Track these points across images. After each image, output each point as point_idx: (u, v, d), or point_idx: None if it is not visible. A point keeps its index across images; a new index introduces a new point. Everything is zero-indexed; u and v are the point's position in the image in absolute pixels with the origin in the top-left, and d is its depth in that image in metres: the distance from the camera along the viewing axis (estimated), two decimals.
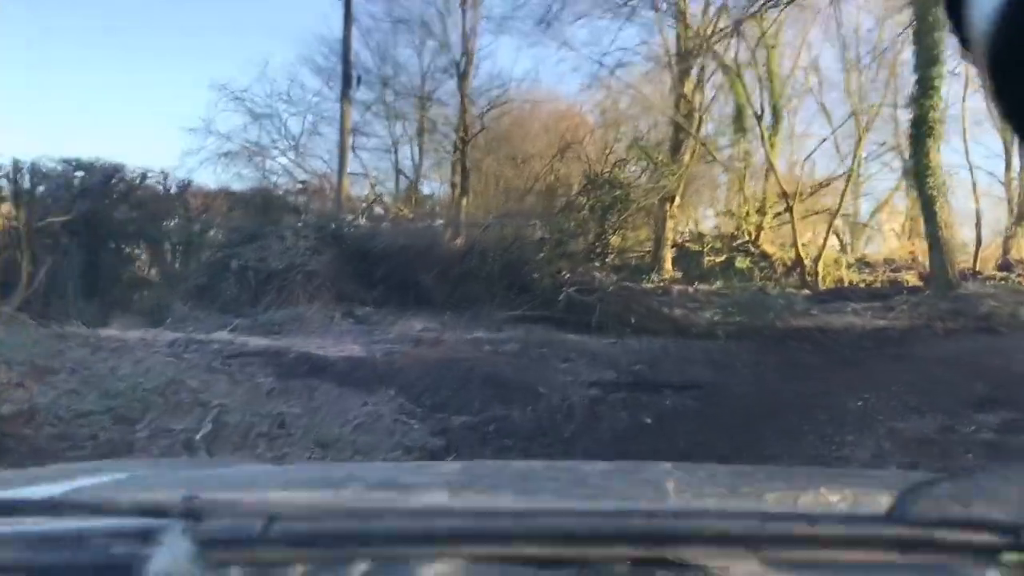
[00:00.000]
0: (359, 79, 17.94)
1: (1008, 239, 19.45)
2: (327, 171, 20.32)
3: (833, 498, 1.46)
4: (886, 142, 22.86)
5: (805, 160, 20.97)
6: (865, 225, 29.61)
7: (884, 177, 30.79)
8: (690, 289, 19.04)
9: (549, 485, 1.57)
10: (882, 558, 0.85)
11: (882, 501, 0.93)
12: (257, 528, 0.87)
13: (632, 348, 11.54)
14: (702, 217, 24.46)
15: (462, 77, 19.98)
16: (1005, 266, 18.47)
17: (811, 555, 0.87)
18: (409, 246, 13.53)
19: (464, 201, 19.72)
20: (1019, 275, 17.68)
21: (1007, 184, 21.95)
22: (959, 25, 0.60)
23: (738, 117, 20.54)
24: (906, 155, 29.77)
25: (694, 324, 13.49)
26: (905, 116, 17.16)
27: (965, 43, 0.60)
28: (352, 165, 19.41)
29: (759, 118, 18.15)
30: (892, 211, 30.94)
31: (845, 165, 19.76)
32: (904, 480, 1.34)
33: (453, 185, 20.49)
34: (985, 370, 9.78)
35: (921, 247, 18.19)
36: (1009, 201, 21.40)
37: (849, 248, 24.56)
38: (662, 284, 20.47)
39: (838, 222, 25.64)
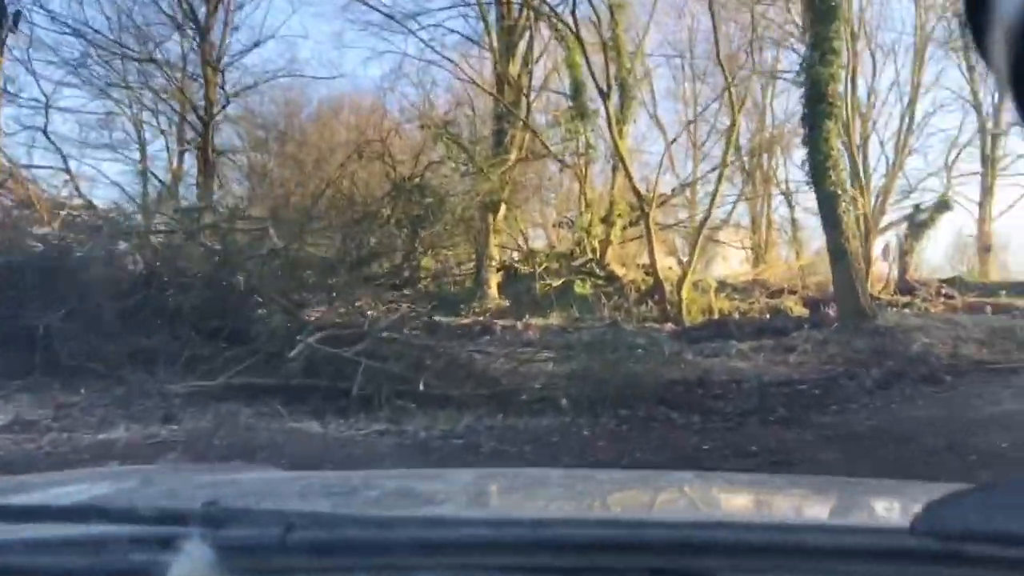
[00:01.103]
0: (16, 16, 11.94)
1: (905, 255, 16.20)
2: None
3: (855, 509, 1.44)
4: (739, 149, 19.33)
5: (662, 161, 16.78)
6: (716, 241, 26.42)
7: (729, 191, 28.05)
8: (519, 325, 14.44)
9: (565, 494, 1.56)
10: (906, 571, 0.86)
11: (905, 513, 0.90)
12: (276, 536, 0.87)
13: (408, 445, 6.55)
14: (536, 231, 20.03)
15: (203, 33, 14.39)
16: (906, 288, 15.05)
17: (833, 567, 0.87)
18: (39, 268, 7.88)
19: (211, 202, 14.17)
20: (925, 299, 14.20)
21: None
22: (979, 37, 0.61)
23: (576, 97, 16.18)
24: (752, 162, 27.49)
25: (522, 386, 8.64)
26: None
27: (985, 54, 0.62)
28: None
29: (605, 95, 13.72)
30: (737, 227, 28.20)
31: (712, 163, 15.73)
32: (927, 492, 1.10)
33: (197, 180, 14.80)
34: (979, 460, 6.27)
35: (812, 267, 14.34)
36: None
37: (691, 270, 20.95)
38: (483, 319, 15.83)
39: (677, 240, 22.11)
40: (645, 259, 16.38)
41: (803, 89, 12.40)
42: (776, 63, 15.52)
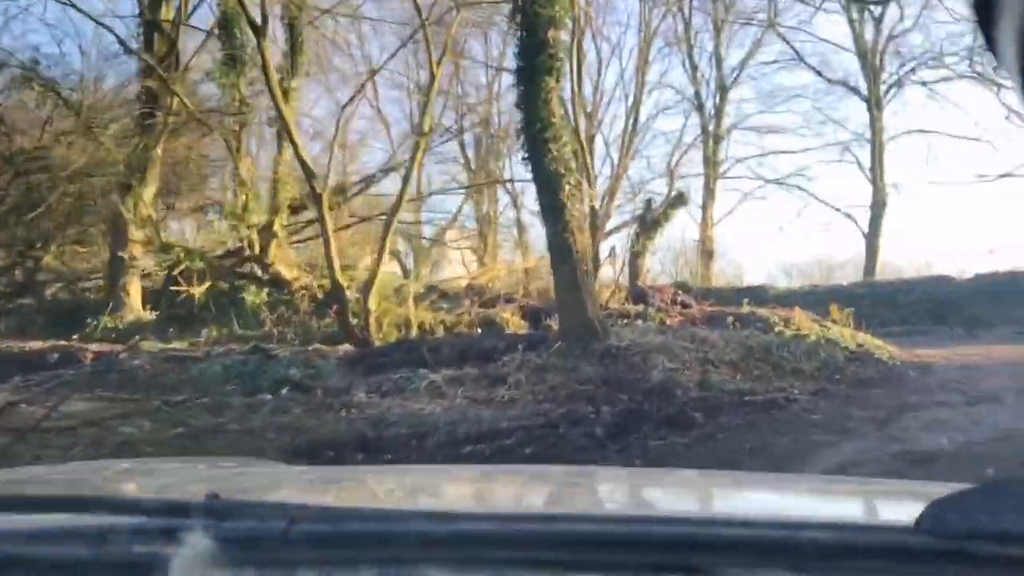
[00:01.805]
0: None
1: (637, 256, 14.04)
2: None
3: (859, 507, 1.45)
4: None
5: (337, 131, 13.30)
6: (436, 243, 23.52)
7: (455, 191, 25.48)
8: (159, 347, 10.31)
9: (568, 490, 1.58)
10: (911, 569, 0.85)
11: (909, 511, 0.88)
12: (278, 529, 0.87)
13: None
14: (195, 221, 15.72)
15: None
16: (639, 296, 12.79)
17: (838, 565, 0.86)
18: None
19: None
20: (660, 308, 11.96)
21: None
22: (990, 37, 0.61)
23: (226, 35, 12.16)
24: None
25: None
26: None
27: (996, 54, 0.62)
28: None
29: (259, 30, 9.85)
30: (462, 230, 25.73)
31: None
32: (931, 490, 1.15)
33: None
34: None
35: (538, 272, 11.60)
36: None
37: (413, 276, 17.84)
38: (118, 336, 11.64)
39: (401, 243, 18.98)
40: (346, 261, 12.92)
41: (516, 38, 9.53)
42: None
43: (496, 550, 0.88)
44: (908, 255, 37.90)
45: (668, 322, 11.37)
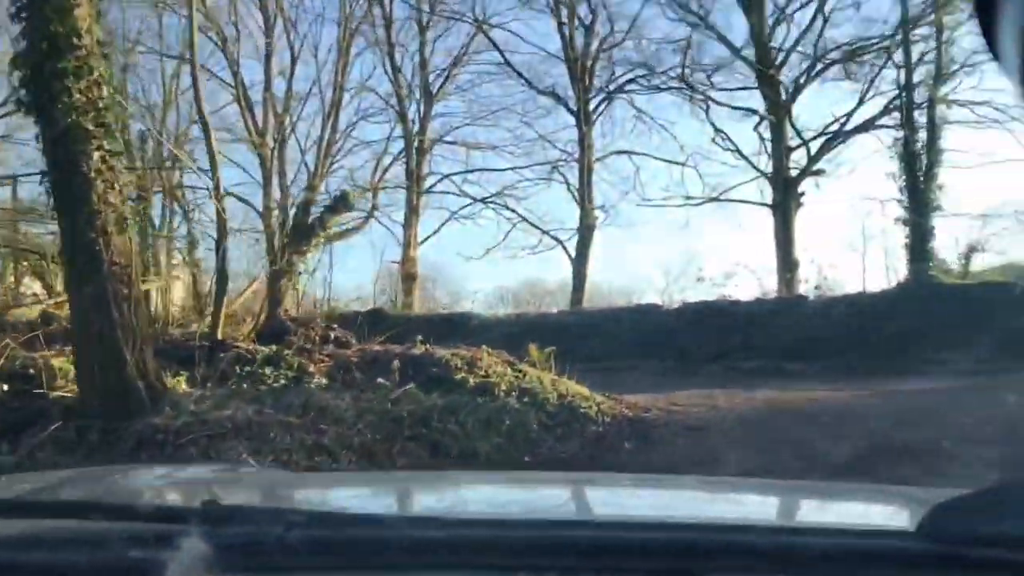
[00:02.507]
0: None
1: (280, 276, 10.50)
2: None
3: (861, 513, 1.46)
4: None
5: None
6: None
7: None
8: None
9: (565, 496, 1.60)
10: (913, 574, 0.85)
11: (911, 516, 0.92)
12: (274, 535, 0.88)
13: None
14: None
15: None
16: (277, 330, 9.26)
17: (840, 570, 0.86)
18: None
19: None
20: (304, 349, 8.56)
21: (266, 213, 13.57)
22: (992, 42, 0.63)
23: None
24: None
25: None
26: None
27: (996, 56, 0.64)
28: None
29: None
30: None
31: None
32: (930, 496, 1.17)
33: None
34: None
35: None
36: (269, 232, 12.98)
37: None
38: None
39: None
40: None
41: None
42: None
43: (492, 556, 0.89)
44: (620, 281, 37.57)
45: (312, 368, 8.03)
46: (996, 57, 0.63)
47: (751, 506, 1.54)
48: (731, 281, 17.37)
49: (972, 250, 16.22)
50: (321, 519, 0.97)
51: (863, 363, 13.82)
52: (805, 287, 17.15)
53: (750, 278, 17.12)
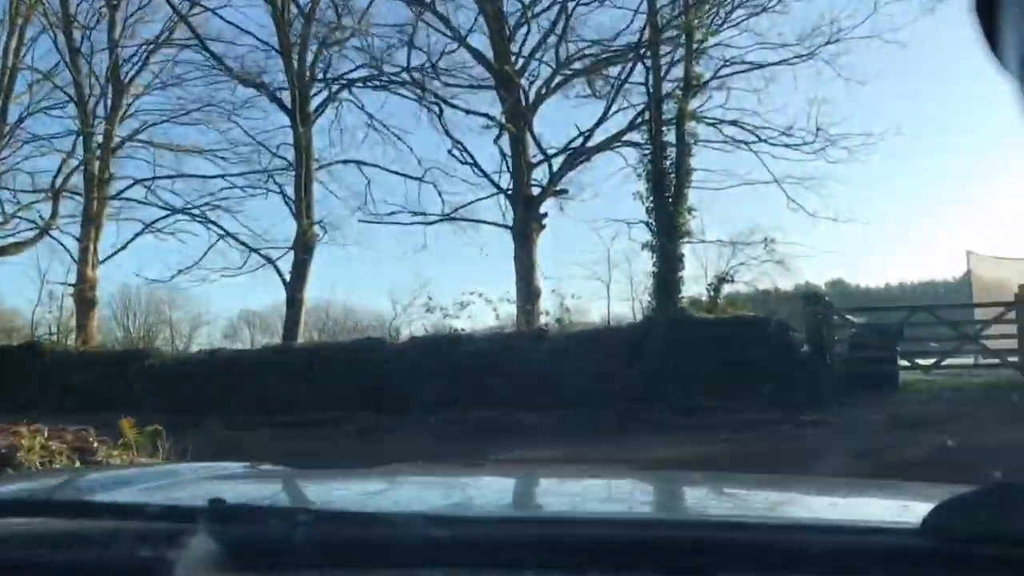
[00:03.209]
0: None
1: None
2: None
3: (865, 509, 1.44)
4: None
5: None
6: None
7: None
8: None
9: (575, 493, 1.60)
10: (916, 573, 0.85)
11: (915, 513, 0.88)
12: (282, 533, 0.87)
13: None
14: None
15: None
16: None
17: (842, 568, 0.85)
18: None
19: None
20: None
21: None
22: (993, 44, 0.62)
23: None
24: None
25: None
26: None
27: (999, 59, 0.63)
28: None
29: None
30: None
31: None
32: (937, 492, 1.14)
33: None
34: None
35: None
36: None
37: None
38: None
39: None
40: None
41: None
42: None
43: (501, 553, 0.89)
44: (353, 309, 34.02)
45: None
46: (998, 61, 0.62)
47: (755, 502, 1.52)
48: (465, 312, 14.83)
49: (722, 280, 14.88)
50: (329, 517, 0.97)
51: (608, 413, 11.79)
52: (546, 320, 14.98)
53: (486, 308, 14.58)
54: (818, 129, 16.20)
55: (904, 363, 13.12)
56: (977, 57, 0.67)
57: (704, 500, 1.56)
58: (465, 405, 12.90)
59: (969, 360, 13.71)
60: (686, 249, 14.39)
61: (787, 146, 16.16)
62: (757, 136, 16.21)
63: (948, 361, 13.48)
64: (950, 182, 50.08)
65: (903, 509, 1.33)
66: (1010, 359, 12.79)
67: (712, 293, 14.51)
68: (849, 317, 13.87)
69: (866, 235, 52.76)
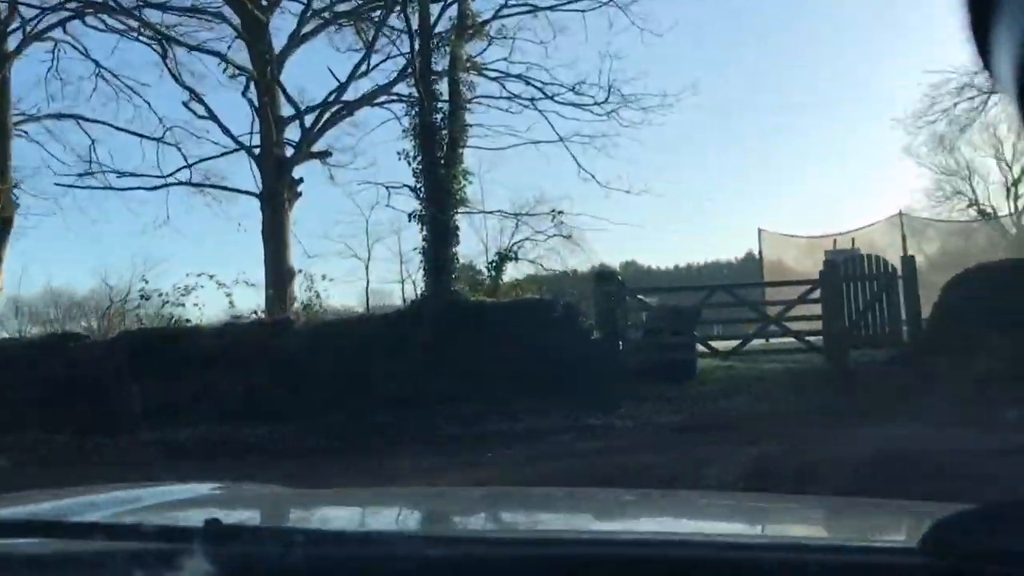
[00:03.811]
0: None
1: None
2: None
3: (862, 528, 1.42)
4: None
5: None
6: None
7: None
8: None
9: (568, 513, 1.60)
10: None
11: (913, 532, 0.91)
12: (277, 554, 0.88)
13: None
14: None
15: None
16: None
17: None
18: None
19: None
20: None
21: None
22: (985, 55, 0.62)
23: None
24: None
25: None
26: None
27: (991, 73, 0.63)
28: None
29: None
30: None
31: None
32: (935, 511, 1.12)
33: None
34: None
35: None
36: None
37: None
38: None
39: None
40: None
41: None
42: None
43: (493, 573, 0.88)
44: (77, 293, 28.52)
45: None
46: (990, 72, 0.63)
47: (751, 522, 1.51)
48: (191, 298, 11.88)
49: (504, 258, 12.82)
50: (324, 537, 0.96)
51: (359, 424, 9.40)
52: (298, 306, 12.33)
53: (219, 294, 11.66)
54: (610, 87, 14.53)
55: (702, 348, 11.68)
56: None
57: (697, 521, 1.54)
58: (183, 416, 10.09)
59: (774, 343, 12.45)
60: (462, 221, 12.17)
61: (577, 105, 14.41)
62: (544, 93, 14.34)
63: (751, 345, 12.19)
64: (742, 159, 51.83)
65: (901, 528, 1.33)
66: (808, 339, 11.65)
67: (493, 272, 12.42)
68: (643, 299, 12.24)
69: (656, 213, 53.77)
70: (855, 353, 11.32)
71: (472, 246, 15.44)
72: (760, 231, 21.00)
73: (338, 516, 1.50)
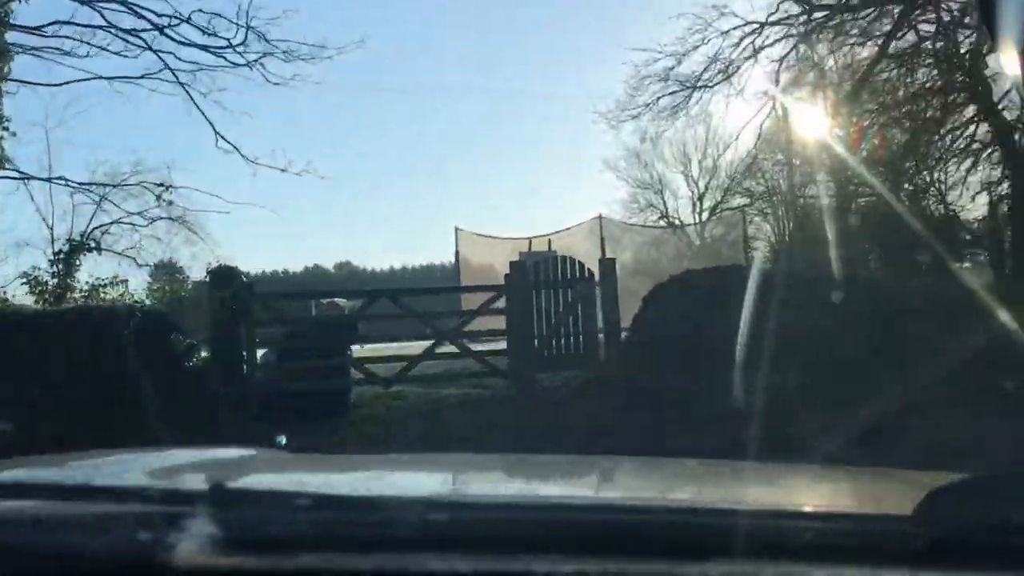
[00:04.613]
0: None
1: None
2: None
3: (857, 497, 1.47)
4: None
5: None
6: None
7: None
8: None
9: (573, 479, 1.63)
10: (908, 560, 0.84)
11: (907, 501, 0.90)
12: (281, 517, 0.89)
13: None
14: None
15: None
16: None
17: (834, 555, 0.85)
18: None
19: None
20: None
21: None
22: (992, 29, 0.65)
23: None
24: None
25: None
26: None
27: (996, 45, 0.65)
28: None
29: None
30: None
31: None
32: (929, 480, 1.15)
33: None
34: None
35: None
36: None
37: None
38: None
39: None
40: None
41: None
42: None
43: (500, 538, 0.89)
44: None
45: None
46: (993, 38, 0.63)
47: (746, 489, 1.52)
48: None
49: (78, 248, 9.03)
50: (329, 501, 0.98)
51: None
52: None
53: None
54: (249, 26, 11.25)
55: (358, 374, 8.88)
56: None
57: (695, 488, 1.53)
58: None
59: (458, 364, 9.89)
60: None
61: (203, 47, 10.95)
62: (153, 24, 10.72)
63: (426, 367, 9.58)
64: (456, 151, 50.32)
65: (895, 497, 1.32)
66: (488, 358, 9.31)
67: (60, 269, 8.63)
68: (275, 307, 9.10)
69: (361, 212, 50.90)
70: (545, 376, 9.14)
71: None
72: (457, 230, 18.97)
73: (342, 480, 1.50)
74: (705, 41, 15.58)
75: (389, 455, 3.27)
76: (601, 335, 9.50)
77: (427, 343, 9.17)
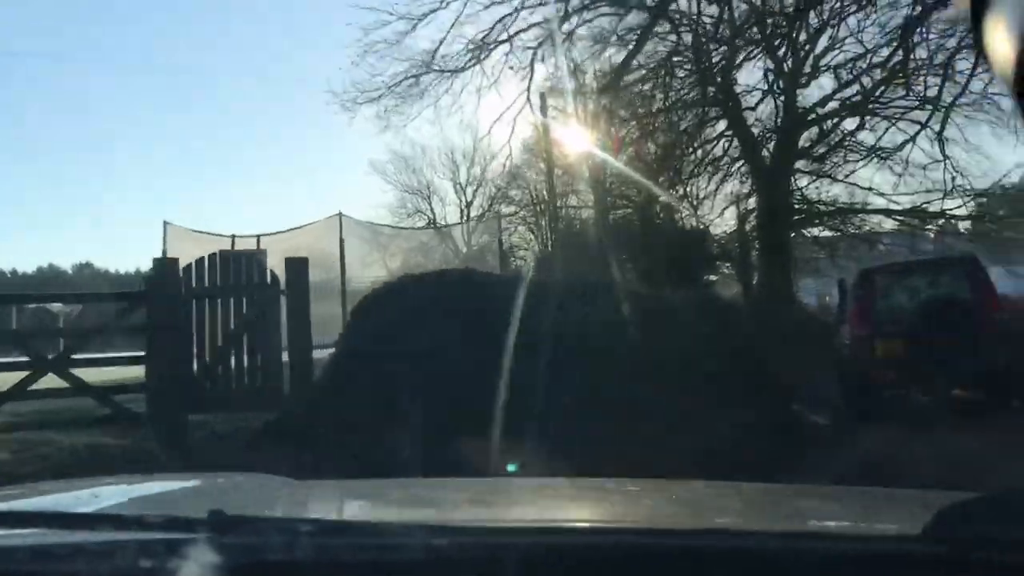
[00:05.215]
0: None
1: None
2: None
3: (866, 517, 1.44)
4: None
5: None
6: None
7: None
8: None
9: (572, 502, 1.61)
10: None
11: (917, 520, 0.90)
12: (281, 543, 0.88)
13: None
14: None
15: None
16: None
17: (845, 574, 0.86)
18: None
19: None
20: None
21: None
22: (979, 37, 0.61)
23: None
24: None
25: None
26: None
27: (987, 56, 0.62)
28: None
29: None
30: None
31: None
32: (938, 499, 1.13)
33: None
34: None
35: None
36: None
37: None
38: None
39: None
40: None
41: None
42: None
43: (498, 563, 0.87)
44: None
45: None
46: (987, 60, 0.60)
47: (756, 511, 1.51)
48: None
49: None
50: (327, 527, 0.98)
51: None
52: None
53: None
54: None
55: None
56: None
57: (705, 510, 1.51)
58: None
59: (65, 402, 7.14)
60: None
61: None
62: None
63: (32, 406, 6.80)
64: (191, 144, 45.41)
65: (905, 515, 1.31)
66: (119, 397, 6.75)
67: None
68: None
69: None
70: (199, 418, 6.69)
71: None
72: (166, 225, 16.02)
73: (342, 506, 1.49)
74: (444, 5, 13.94)
75: (392, 480, 2.75)
76: (288, 366, 7.18)
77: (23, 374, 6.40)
